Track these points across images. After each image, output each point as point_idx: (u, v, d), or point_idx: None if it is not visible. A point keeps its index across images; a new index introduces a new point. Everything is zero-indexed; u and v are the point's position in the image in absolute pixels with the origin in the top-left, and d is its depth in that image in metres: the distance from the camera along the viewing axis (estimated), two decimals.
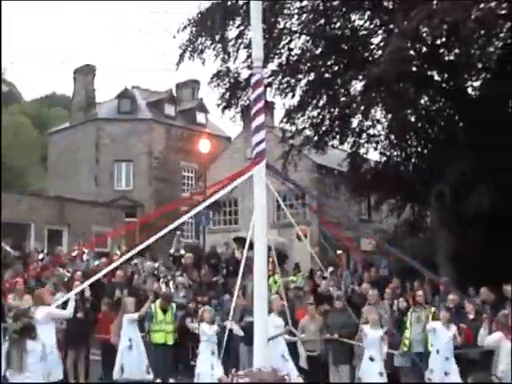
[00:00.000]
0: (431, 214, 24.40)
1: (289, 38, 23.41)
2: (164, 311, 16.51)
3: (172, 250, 22.95)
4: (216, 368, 13.79)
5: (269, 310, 13.52)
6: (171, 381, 16.47)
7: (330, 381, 15.61)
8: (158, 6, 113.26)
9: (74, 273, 18.41)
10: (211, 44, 23.86)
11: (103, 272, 11.24)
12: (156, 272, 21.05)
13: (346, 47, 22.03)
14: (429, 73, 22.19)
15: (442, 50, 21.21)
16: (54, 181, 49.50)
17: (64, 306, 13.05)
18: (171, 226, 8.25)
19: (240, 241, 23.45)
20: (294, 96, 23.84)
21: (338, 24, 22.36)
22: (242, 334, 15.70)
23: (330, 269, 20.63)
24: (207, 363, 14.01)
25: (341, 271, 21.88)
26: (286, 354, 14.03)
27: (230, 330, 16.36)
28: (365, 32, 22.41)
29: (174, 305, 17.01)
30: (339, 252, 26.43)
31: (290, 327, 14.05)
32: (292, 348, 16.11)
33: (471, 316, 14.17)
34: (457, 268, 20.96)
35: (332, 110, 24.11)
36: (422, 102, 23.75)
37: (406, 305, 15.13)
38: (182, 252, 22.48)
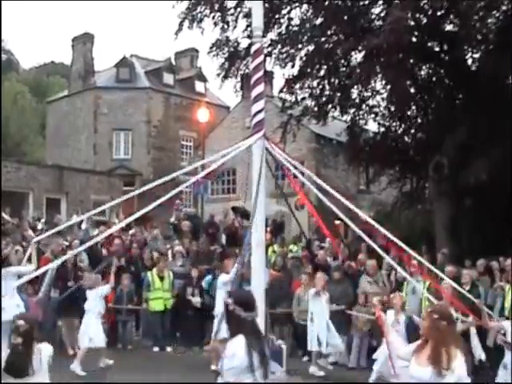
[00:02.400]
0: (429, 185, 24.39)
1: (288, 8, 23.28)
2: (161, 279, 16.62)
3: (172, 219, 22.96)
4: None
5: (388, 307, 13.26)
6: (169, 349, 16.59)
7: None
8: None
9: (71, 241, 18.43)
10: (210, 13, 23.74)
11: None
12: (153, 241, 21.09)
13: (346, 17, 21.87)
14: (429, 44, 22.09)
15: (442, 22, 21.10)
16: (52, 149, 49.55)
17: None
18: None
19: (238, 210, 23.44)
20: (293, 66, 23.75)
21: None
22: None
23: (328, 239, 20.61)
24: None
25: (338, 241, 21.82)
26: None
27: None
28: (365, 2, 22.25)
29: (170, 273, 17.11)
30: (337, 222, 26.39)
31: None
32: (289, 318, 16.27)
33: (467, 288, 14.18)
34: (454, 239, 21.02)
35: (332, 80, 24.02)
36: (422, 73, 23.68)
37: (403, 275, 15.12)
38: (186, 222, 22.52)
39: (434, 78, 23.90)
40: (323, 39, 22.53)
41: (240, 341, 5.77)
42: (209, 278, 17.10)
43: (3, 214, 21.83)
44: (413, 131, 25.91)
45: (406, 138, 25.90)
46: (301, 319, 15.97)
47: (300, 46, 23.08)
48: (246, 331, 5.86)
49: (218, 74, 24.74)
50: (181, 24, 23.94)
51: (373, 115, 25.91)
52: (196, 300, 16.74)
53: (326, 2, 21.96)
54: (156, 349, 16.44)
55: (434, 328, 6.42)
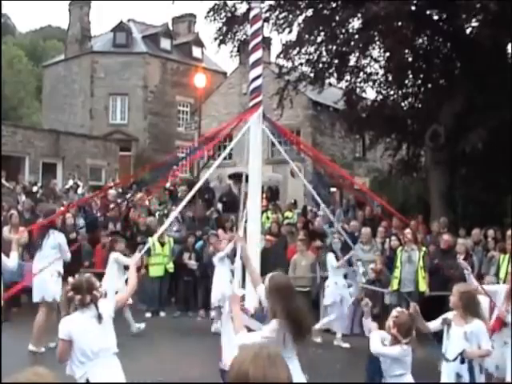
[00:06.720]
0: (426, 153, 24.38)
1: None
2: (162, 244, 16.68)
3: (168, 184, 23.00)
4: None
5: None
6: (162, 314, 16.68)
7: (320, 317, 15.82)
8: None
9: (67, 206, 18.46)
10: None
11: None
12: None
13: None
14: (428, 12, 21.95)
15: None
16: (48, 113, 49.46)
17: None
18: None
19: (236, 177, 23.49)
20: (291, 32, 23.60)
21: None
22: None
23: (322, 206, 20.68)
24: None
25: (333, 209, 21.87)
26: None
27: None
28: None
29: (171, 239, 17.20)
30: (333, 190, 26.44)
31: None
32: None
33: (462, 257, 14.23)
34: (449, 208, 21.07)
35: (330, 46, 23.87)
36: (420, 41, 23.55)
37: (397, 243, 15.17)
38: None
39: (432, 47, 23.79)
40: (321, 5, 22.39)
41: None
42: (200, 243, 17.25)
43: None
44: (410, 99, 25.85)
45: (404, 107, 25.83)
46: (296, 286, 16.06)
47: (298, 11, 22.93)
48: None
49: (215, 38, 24.57)
50: None
51: (370, 83, 25.81)
52: (192, 263, 16.82)
53: None
54: (148, 314, 16.45)
55: None
